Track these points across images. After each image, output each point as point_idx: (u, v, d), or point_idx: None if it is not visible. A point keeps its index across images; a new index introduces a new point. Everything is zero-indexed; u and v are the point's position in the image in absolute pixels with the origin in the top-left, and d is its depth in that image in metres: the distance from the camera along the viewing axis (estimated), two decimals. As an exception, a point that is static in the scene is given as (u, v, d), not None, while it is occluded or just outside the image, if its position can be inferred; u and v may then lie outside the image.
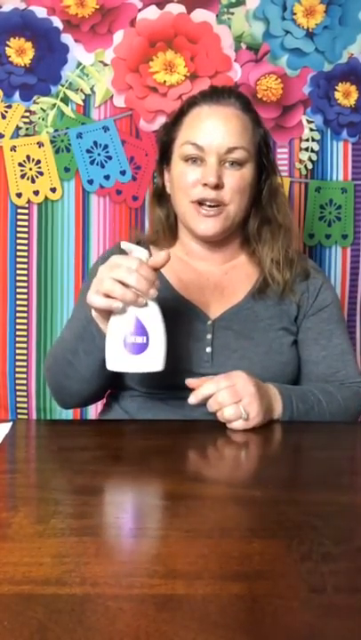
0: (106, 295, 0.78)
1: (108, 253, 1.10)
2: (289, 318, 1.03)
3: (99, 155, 1.32)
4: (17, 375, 1.34)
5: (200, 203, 0.97)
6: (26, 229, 1.32)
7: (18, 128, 1.30)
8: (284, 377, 0.98)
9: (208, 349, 0.97)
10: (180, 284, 1.04)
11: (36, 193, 1.31)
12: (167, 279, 1.04)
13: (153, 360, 0.79)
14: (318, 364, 1.02)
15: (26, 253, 1.32)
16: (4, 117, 1.30)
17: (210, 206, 0.97)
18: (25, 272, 1.33)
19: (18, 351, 1.33)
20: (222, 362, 0.95)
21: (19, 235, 1.32)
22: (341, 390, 0.98)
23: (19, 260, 1.32)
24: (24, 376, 1.34)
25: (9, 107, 1.29)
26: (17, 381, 1.34)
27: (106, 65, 1.30)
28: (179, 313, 1.00)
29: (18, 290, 1.33)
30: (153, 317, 0.80)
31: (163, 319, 0.81)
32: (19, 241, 1.32)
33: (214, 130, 0.96)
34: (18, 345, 1.33)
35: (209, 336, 0.98)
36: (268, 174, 1.03)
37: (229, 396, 0.81)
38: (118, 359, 0.79)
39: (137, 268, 0.77)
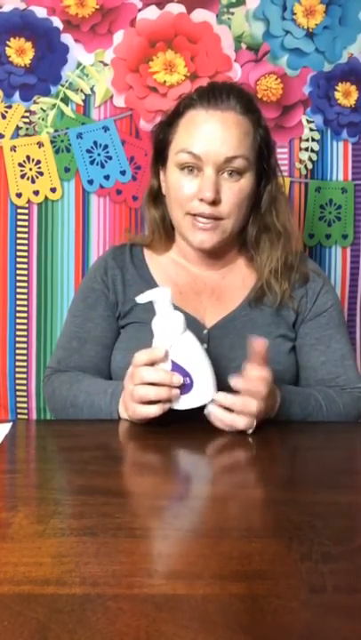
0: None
1: (101, 261, 1.09)
2: (287, 324, 1.02)
3: (99, 155, 1.32)
4: (17, 375, 1.34)
5: (196, 215, 0.95)
6: (26, 229, 1.32)
7: (18, 128, 1.30)
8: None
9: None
10: (176, 289, 1.03)
11: (36, 193, 1.31)
12: None
13: (202, 393, 0.80)
14: (317, 370, 1.01)
15: (26, 253, 1.32)
16: (4, 117, 1.29)
17: (206, 218, 0.94)
18: (25, 272, 1.33)
19: (18, 351, 1.33)
20: (219, 372, 0.94)
21: (19, 235, 1.32)
22: (343, 396, 0.97)
23: (19, 259, 1.32)
24: (24, 376, 1.34)
25: (9, 107, 1.29)
26: (17, 381, 1.34)
27: (106, 65, 1.30)
28: None
29: (18, 290, 1.33)
30: (189, 355, 0.81)
31: (200, 348, 0.82)
32: (19, 241, 1.32)
33: (212, 137, 0.92)
34: (18, 345, 1.33)
35: (205, 346, 0.95)
36: (268, 179, 1.00)
37: (258, 409, 0.79)
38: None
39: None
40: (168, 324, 0.81)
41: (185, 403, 0.80)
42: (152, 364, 0.81)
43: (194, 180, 0.94)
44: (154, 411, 0.80)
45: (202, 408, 0.81)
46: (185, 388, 0.80)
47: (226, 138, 0.92)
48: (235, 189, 0.94)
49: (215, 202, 0.93)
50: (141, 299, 0.82)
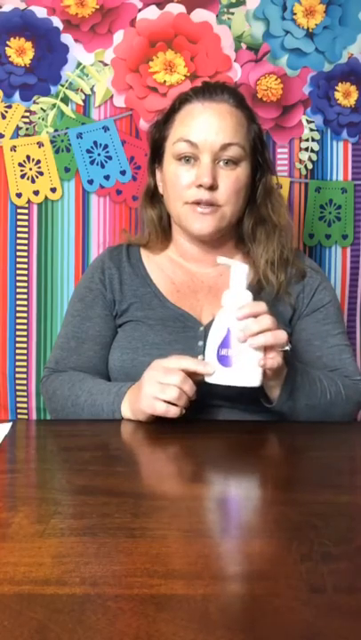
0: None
1: (97, 261, 1.10)
2: (283, 321, 1.02)
3: (99, 155, 1.32)
4: (17, 375, 1.34)
5: (195, 202, 0.96)
6: (26, 229, 1.32)
7: (18, 128, 1.30)
8: None
9: (200, 357, 0.93)
10: (173, 288, 1.03)
11: (36, 193, 1.31)
12: (158, 289, 1.03)
13: (244, 374, 0.80)
14: (313, 365, 1.00)
15: (26, 253, 1.32)
16: (3, 117, 1.29)
17: (205, 205, 0.96)
18: (25, 272, 1.33)
19: (18, 351, 1.33)
20: None
21: (19, 235, 1.32)
22: (343, 379, 0.97)
23: (19, 259, 1.32)
24: (24, 376, 1.34)
25: (9, 107, 1.29)
26: (17, 381, 1.34)
27: (106, 65, 1.30)
28: (170, 322, 0.99)
29: (18, 290, 1.33)
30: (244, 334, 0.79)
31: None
32: (19, 241, 1.32)
33: (208, 126, 0.95)
34: (18, 345, 1.33)
35: (201, 343, 0.95)
36: (263, 172, 1.02)
37: (273, 322, 0.80)
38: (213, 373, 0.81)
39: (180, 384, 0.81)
40: (234, 301, 0.81)
41: (228, 377, 0.80)
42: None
43: (191, 170, 0.97)
44: (174, 411, 0.81)
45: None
46: (225, 360, 0.79)
47: (222, 126, 0.95)
48: (231, 177, 0.96)
49: (213, 187, 0.95)
50: (222, 260, 0.83)
